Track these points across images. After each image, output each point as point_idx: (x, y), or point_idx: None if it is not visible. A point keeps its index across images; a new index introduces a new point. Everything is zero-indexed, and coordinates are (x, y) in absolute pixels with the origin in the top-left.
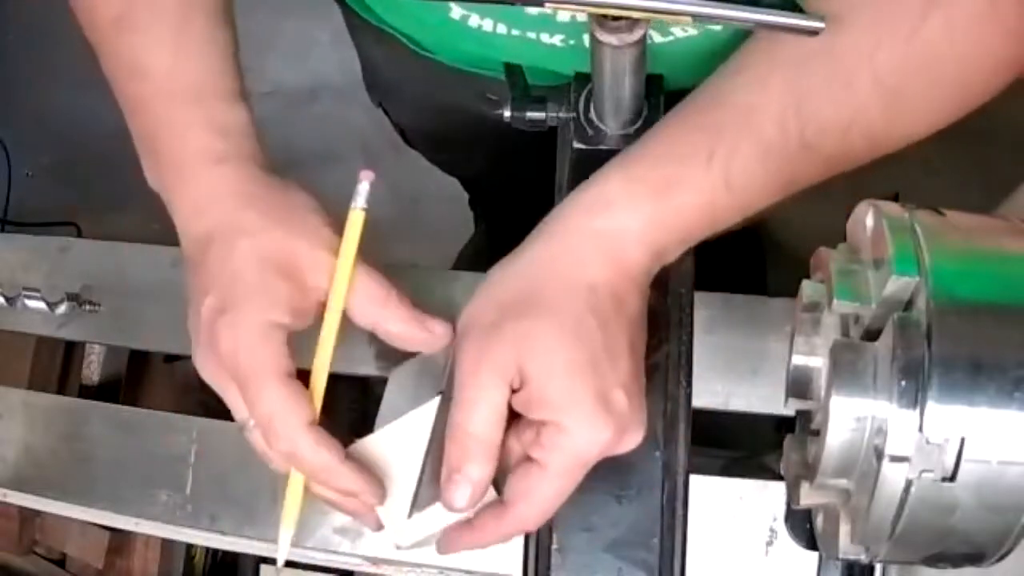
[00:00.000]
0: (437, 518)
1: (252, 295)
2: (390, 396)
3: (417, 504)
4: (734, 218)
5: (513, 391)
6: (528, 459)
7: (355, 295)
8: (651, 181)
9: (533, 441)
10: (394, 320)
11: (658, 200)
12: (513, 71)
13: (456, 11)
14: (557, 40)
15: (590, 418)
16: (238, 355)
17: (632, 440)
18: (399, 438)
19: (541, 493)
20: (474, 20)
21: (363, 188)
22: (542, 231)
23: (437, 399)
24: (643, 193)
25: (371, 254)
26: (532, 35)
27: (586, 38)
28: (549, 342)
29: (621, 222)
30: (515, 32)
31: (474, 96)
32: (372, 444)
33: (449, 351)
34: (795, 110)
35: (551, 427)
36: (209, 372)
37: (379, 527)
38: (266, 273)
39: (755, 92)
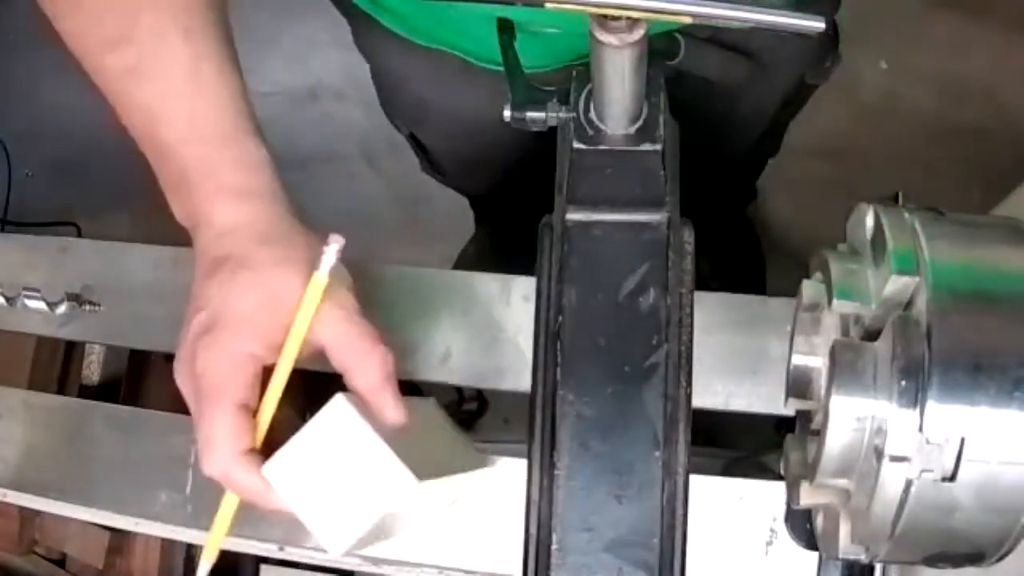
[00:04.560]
0: (371, 516)
1: (237, 324)
2: None
3: None
4: None
5: None
6: None
7: (330, 337)
8: None
9: None
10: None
11: None
12: (513, 72)
13: None
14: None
15: None
16: (205, 375)
17: None
18: (312, 444)
19: None
20: None
21: (330, 253)
22: None
23: (337, 398)
24: None
25: (372, 255)
26: None
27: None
28: None
29: None
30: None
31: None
32: (287, 457)
33: None
34: None
35: None
36: (180, 382)
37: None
38: (256, 306)
39: None
